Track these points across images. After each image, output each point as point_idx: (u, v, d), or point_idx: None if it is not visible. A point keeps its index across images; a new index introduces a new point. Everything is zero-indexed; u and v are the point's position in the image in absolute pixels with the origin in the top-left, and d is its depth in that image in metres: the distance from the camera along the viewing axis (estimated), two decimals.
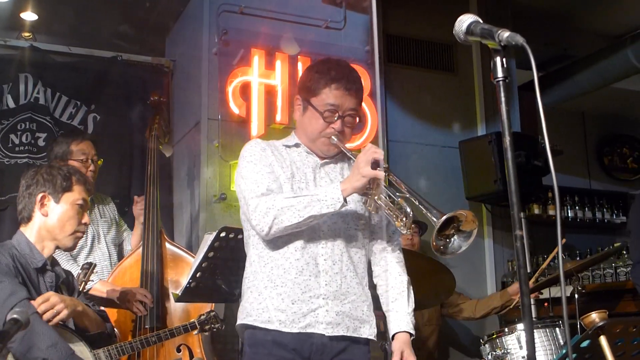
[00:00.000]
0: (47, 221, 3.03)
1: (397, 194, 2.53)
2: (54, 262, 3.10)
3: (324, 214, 2.54)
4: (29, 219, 3.05)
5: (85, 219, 3.12)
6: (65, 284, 3.14)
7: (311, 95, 2.74)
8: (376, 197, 2.58)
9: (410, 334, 2.73)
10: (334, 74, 2.72)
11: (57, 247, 3.07)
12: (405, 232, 2.51)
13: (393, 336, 2.74)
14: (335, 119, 2.71)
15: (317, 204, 2.51)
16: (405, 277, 2.82)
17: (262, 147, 2.78)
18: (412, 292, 2.80)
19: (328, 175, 2.80)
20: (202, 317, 3.64)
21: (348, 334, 2.64)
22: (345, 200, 2.52)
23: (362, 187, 2.54)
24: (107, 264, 4.29)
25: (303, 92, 2.80)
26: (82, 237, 3.18)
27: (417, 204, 2.45)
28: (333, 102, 2.70)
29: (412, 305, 2.78)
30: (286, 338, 2.58)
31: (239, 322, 2.71)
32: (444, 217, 2.34)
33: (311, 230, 2.64)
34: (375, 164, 2.52)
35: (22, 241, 2.99)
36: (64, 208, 3.04)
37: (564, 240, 1.80)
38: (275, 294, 2.61)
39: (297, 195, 2.57)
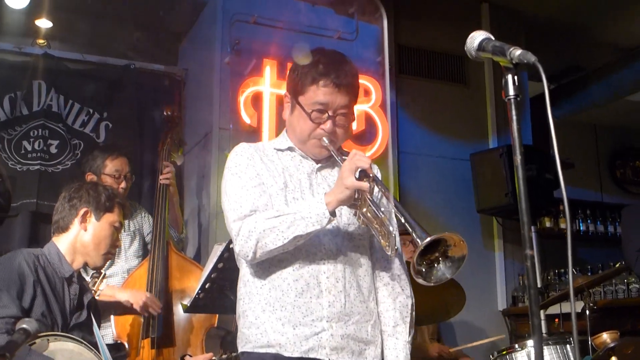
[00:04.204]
0: (84, 236, 3.07)
1: (382, 209, 2.27)
2: (80, 277, 3.13)
3: (310, 233, 2.29)
4: (64, 229, 3.08)
5: (119, 242, 3.18)
6: (93, 308, 3.18)
7: (298, 94, 2.49)
8: (364, 210, 2.31)
9: None
10: (322, 69, 2.44)
11: (86, 264, 3.10)
12: (389, 253, 2.25)
13: None
14: (325, 118, 2.45)
15: (301, 223, 2.27)
16: (410, 299, 2.57)
17: (249, 155, 2.52)
18: (413, 316, 2.57)
19: (325, 180, 2.55)
20: (224, 356, 3.58)
21: (353, 359, 2.41)
22: (333, 213, 2.29)
23: (348, 200, 2.28)
24: (127, 276, 4.29)
25: (290, 89, 2.55)
26: (111, 258, 3.22)
27: (403, 221, 2.20)
28: (321, 101, 2.44)
29: (412, 332, 2.55)
30: None
31: (239, 349, 2.48)
32: (429, 239, 2.09)
33: (310, 245, 2.39)
34: (361, 174, 2.28)
35: (53, 251, 3.03)
36: (103, 227, 3.10)
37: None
38: (274, 319, 2.37)
39: (279, 215, 2.31)
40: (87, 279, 3.69)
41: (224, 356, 3.51)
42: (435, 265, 2.17)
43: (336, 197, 2.28)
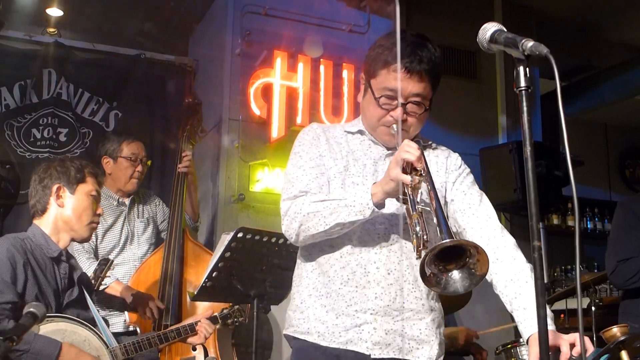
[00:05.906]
0: (64, 212, 3.06)
1: (417, 206, 2.05)
2: (68, 255, 3.13)
3: (353, 222, 2.17)
4: (43, 211, 3.07)
5: (99, 210, 3.16)
6: (85, 283, 3.17)
7: (371, 76, 2.34)
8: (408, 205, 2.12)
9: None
10: (396, 52, 2.26)
11: (73, 239, 3.10)
12: (416, 257, 1.98)
13: (528, 339, 2.18)
14: (395, 105, 2.29)
15: (343, 210, 2.16)
16: (523, 263, 2.24)
17: (315, 135, 2.43)
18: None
19: None
20: (225, 310, 3.56)
21: (400, 357, 2.25)
22: (380, 205, 2.15)
23: (394, 192, 2.11)
24: (138, 264, 4.27)
25: (365, 70, 2.39)
26: (96, 227, 3.21)
27: (434, 217, 2.01)
28: (391, 87, 2.27)
29: None
30: (327, 352, 2.26)
31: (284, 332, 2.44)
32: (449, 241, 1.89)
33: (364, 233, 2.27)
34: (409, 166, 2.10)
35: (37, 233, 3.02)
36: (79, 199, 3.08)
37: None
38: (319, 305, 2.31)
39: (325, 199, 2.21)
40: (95, 267, 3.71)
41: (225, 310, 3.52)
42: (449, 273, 1.95)
43: (382, 188, 2.14)
